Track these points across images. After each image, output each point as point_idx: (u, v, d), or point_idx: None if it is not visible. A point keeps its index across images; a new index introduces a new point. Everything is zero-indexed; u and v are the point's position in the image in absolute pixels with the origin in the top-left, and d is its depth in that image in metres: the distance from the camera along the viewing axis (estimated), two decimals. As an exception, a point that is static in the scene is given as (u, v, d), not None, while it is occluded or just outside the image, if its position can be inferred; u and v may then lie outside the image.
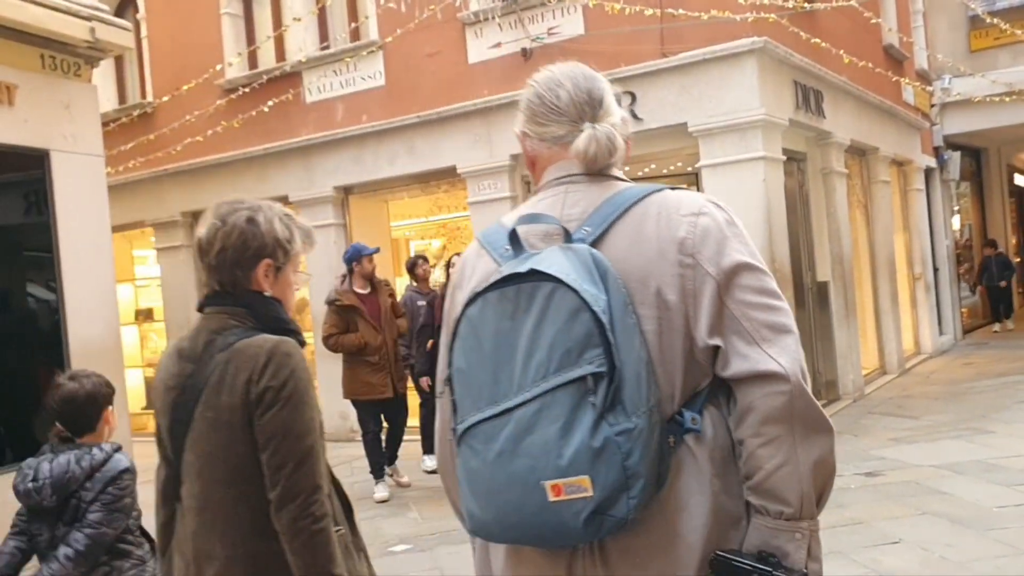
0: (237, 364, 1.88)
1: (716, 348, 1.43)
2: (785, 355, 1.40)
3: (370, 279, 6.80)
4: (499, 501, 1.38)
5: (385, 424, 6.97)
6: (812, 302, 9.10)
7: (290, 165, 9.84)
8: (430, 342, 6.74)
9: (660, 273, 1.45)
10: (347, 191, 9.77)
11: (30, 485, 2.74)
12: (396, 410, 6.93)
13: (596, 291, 1.37)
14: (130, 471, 2.83)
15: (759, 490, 1.41)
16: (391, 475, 7.02)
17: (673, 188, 1.56)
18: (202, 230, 1.99)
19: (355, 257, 6.78)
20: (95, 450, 2.82)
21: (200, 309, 2.01)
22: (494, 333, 1.41)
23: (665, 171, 9.70)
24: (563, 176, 1.60)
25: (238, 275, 1.96)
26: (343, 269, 9.47)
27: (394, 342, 6.76)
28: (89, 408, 2.87)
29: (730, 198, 7.59)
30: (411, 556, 5.27)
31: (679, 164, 9.28)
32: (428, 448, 7.55)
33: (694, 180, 9.04)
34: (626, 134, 1.65)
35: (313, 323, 9.90)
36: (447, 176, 9.15)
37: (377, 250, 6.92)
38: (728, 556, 1.40)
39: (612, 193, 1.55)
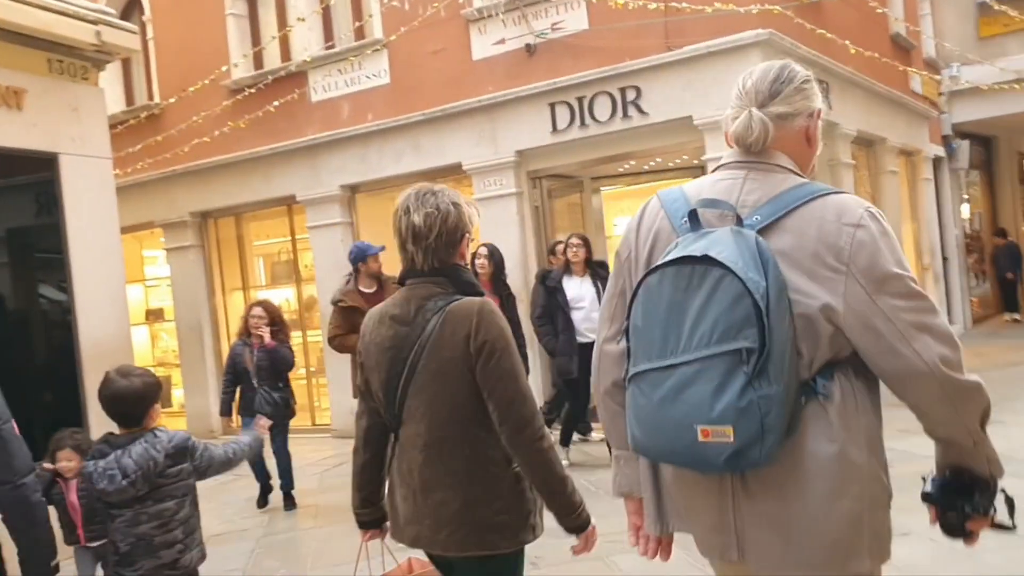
0: (453, 324, 2.28)
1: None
2: (928, 351, 1.68)
3: (377, 278, 6.65)
4: (659, 434, 1.72)
5: None
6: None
7: (296, 164, 9.87)
8: None
9: (815, 270, 1.70)
10: (353, 189, 9.80)
11: (123, 483, 2.95)
12: None
13: (758, 278, 1.63)
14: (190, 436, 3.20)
15: (936, 439, 1.85)
16: None
17: (838, 192, 1.78)
18: (416, 217, 2.35)
19: (360, 257, 6.63)
20: (158, 433, 3.06)
21: (401, 283, 2.44)
22: (668, 301, 1.70)
23: (671, 165, 9.71)
24: (734, 161, 1.88)
25: (450, 252, 2.37)
26: (349, 268, 9.57)
27: None
28: (138, 404, 3.07)
29: (736, 191, 7.65)
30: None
31: (685, 157, 9.28)
32: None
33: (700, 173, 9.04)
34: (807, 127, 1.87)
35: (321, 320, 9.95)
36: (453, 173, 9.16)
37: (382, 248, 6.80)
38: (944, 481, 1.88)
39: (786, 188, 1.78)
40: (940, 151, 13.76)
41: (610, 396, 1.98)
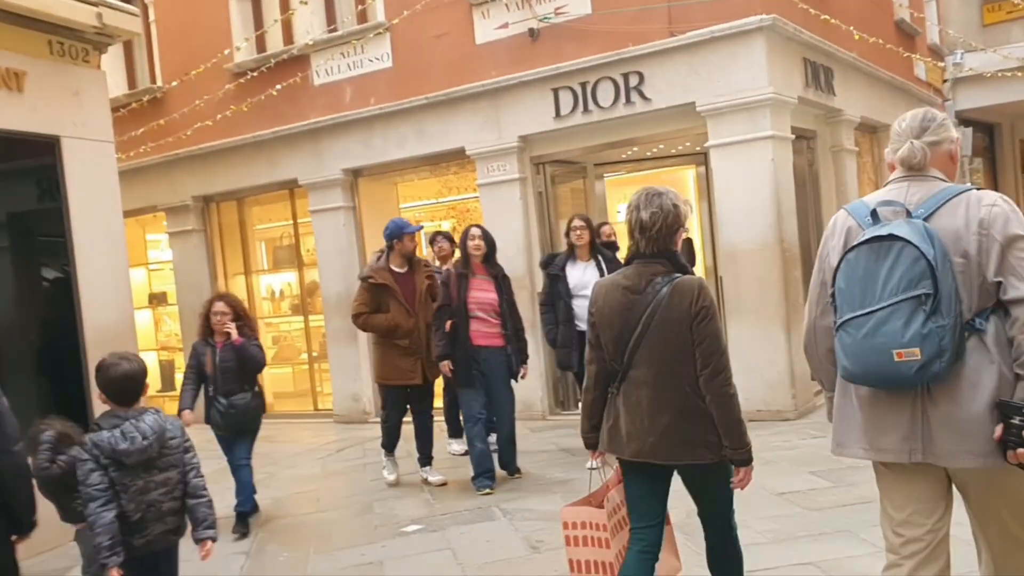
0: (680, 293, 3.04)
1: (999, 283, 2.43)
2: None
3: (409, 258, 6.50)
4: (863, 361, 2.46)
5: (408, 416, 6.70)
6: (822, 281, 9.07)
7: (299, 148, 9.86)
8: (449, 323, 6.13)
9: (967, 238, 2.46)
10: (356, 174, 9.79)
11: (143, 443, 3.34)
12: (423, 397, 6.58)
13: (928, 247, 2.37)
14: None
15: (1022, 364, 2.40)
16: (425, 480, 6.59)
17: (976, 188, 2.56)
18: (644, 214, 3.09)
19: (396, 234, 6.44)
20: (158, 411, 3.52)
21: (629, 262, 3.20)
22: (864, 269, 2.47)
23: (674, 151, 9.68)
24: (899, 177, 2.68)
25: (668, 241, 3.10)
26: (352, 252, 9.59)
27: (428, 326, 6.34)
28: (143, 381, 3.53)
29: (739, 178, 7.59)
30: (423, 536, 5.33)
31: (687, 144, 9.25)
32: (454, 432, 7.50)
33: (703, 160, 9.03)
34: (951, 150, 2.70)
35: (324, 305, 9.97)
36: (456, 158, 9.15)
37: (421, 228, 6.66)
38: (1008, 401, 2.39)
39: (937, 190, 2.57)
40: (944, 138, 13.70)
41: (827, 359, 2.77)
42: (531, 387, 8.23)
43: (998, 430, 2.38)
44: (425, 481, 6.53)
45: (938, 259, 2.36)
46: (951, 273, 2.39)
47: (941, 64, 13.44)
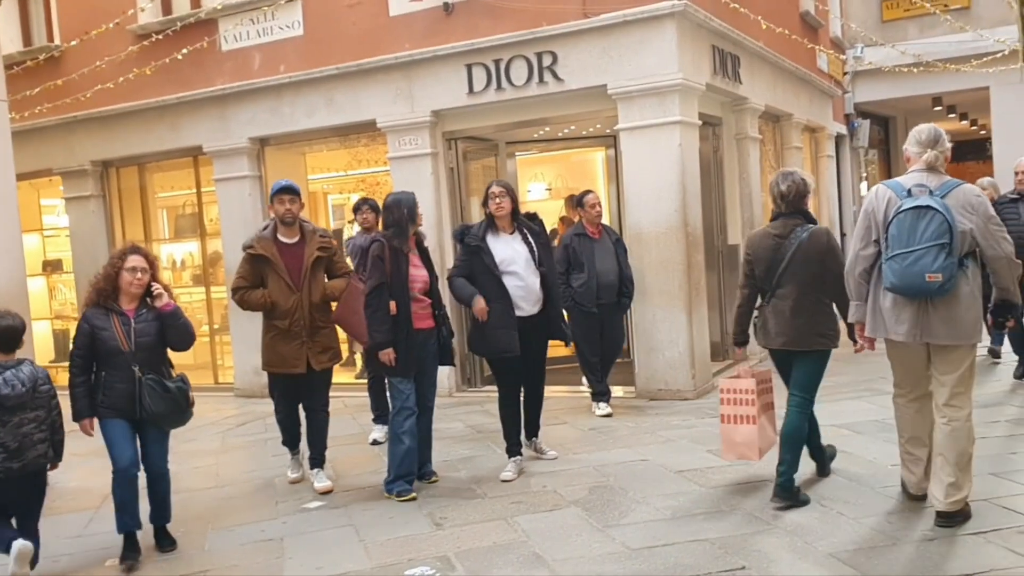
0: (814, 237, 4.67)
1: (978, 244, 4.09)
2: (1003, 248, 4.09)
3: (301, 226, 5.69)
4: (905, 280, 4.00)
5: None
6: (722, 264, 9.35)
7: (205, 115, 9.57)
8: (392, 304, 5.29)
9: (965, 212, 4.04)
10: (263, 142, 9.57)
11: (22, 389, 4.24)
12: (313, 389, 5.76)
13: (946, 214, 3.95)
14: None
15: (998, 286, 4.24)
16: (318, 489, 5.71)
17: (965, 183, 4.19)
18: (783, 187, 4.73)
19: (269, 198, 5.75)
20: (31, 362, 4.47)
21: (774, 218, 4.82)
22: (909, 224, 4.00)
23: (584, 133, 9.80)
24: (919, 170, 4.22)
25: (800, 203, 4.74)
26: (257, 222, 9.34)
27: (314, 305, 5.58)
28: (21, 334, 4.42)
29: (646, 162, 7.73)
30: (325, 512, 5.31)
31: (598, 126, 9.37)
32: (381, 417, 6.80)
33: (612, 143, 9.16)
34: (947, 155, 4.29)
35: (226, 276, 9.74)
36: (367, 130, 9.04)
37: (289, 186, 5.63)
38: (996, 306, 4.34)
39: (945, 180, 4.15)
40: (842, 129, 14.24)
41: (862, 277, 4.37)
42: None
43: (990, 319, 4.56)
44: (316, 485, 5.72)
45: (952, 223, 3.94)
46: (959, 232, 3.97)
47: (842, 57, 13.93)
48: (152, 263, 4.73)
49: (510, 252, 5.60)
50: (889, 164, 17.14)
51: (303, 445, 6.00)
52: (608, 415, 7.22)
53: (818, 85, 12.28)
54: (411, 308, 5.37)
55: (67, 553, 4.97)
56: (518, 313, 5.54)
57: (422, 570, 4.22)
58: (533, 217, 5.92)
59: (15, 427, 4.22)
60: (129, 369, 4.57)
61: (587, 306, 7.19)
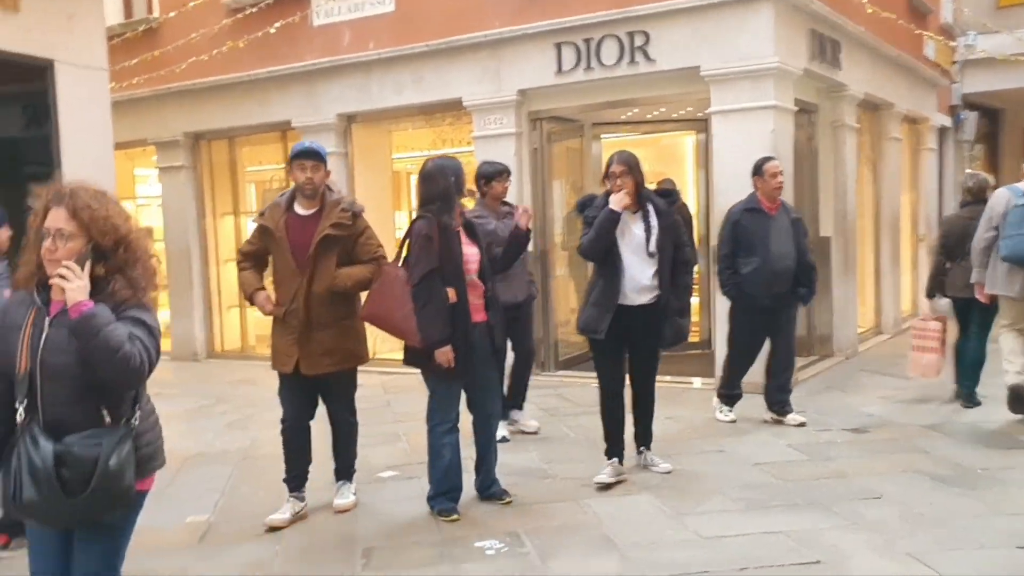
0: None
1: None
2: None
3: (316, 196, 4.63)
4: (1016, 251, 5.74)
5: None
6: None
7: (294, 90, 9.69)
8: (451, 291, 4.46)
9: None
10: (350, 119, 9.64)
11: None
12: (327, 395, 4.79)
13: None
14: None
15: None
16: (337, 507, 4.83)
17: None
18: (970, 183, 6.67)
19: (289, 161, 4.77)
20: None
21: (964, 205, 6.71)
22: (1019, 217, 5.76)
23: (675, 115, 9.59)
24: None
25: (982, 195, 6.41)
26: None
27: (317, 296, 4.52)
28: None
29: (738, 147, 7.50)
30: (398, 483, 5.33)
31: (689, 109, 9.15)
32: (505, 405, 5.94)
33: (703, 127, 8.94)
34: None
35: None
36: (453, 109, 9.01)
37: (311, 149, 4.62)
38: None
39: None
40: (947, 121, 13.60)
41: (983, 254, 5.98)
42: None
43: None
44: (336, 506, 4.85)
45: None
46: None
47: (952, 44, 13.26)
48: (94, 222, 2.54)
49: (626, 231, 4.89)
50: (997, 160, 16.30)
51: (308, 483, 4.84)
52: (732, 422, 6.38)
53: (922, 74, 11.74)
54: (468, 296, 4.54)
55: (147, 509, 5.07)
56: (621, 301, 4.86)
57: (491, 543, 4.18)
58: (668, 193, 5.22)
59: None
60: (9, 409, 2.56)
61: (756, 297, 6.09)
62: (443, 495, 4.66)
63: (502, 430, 5.85)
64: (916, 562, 3.76)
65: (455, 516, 4.58)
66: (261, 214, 4.81)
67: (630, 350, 5.07)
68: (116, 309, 2.52)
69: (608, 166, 4.95)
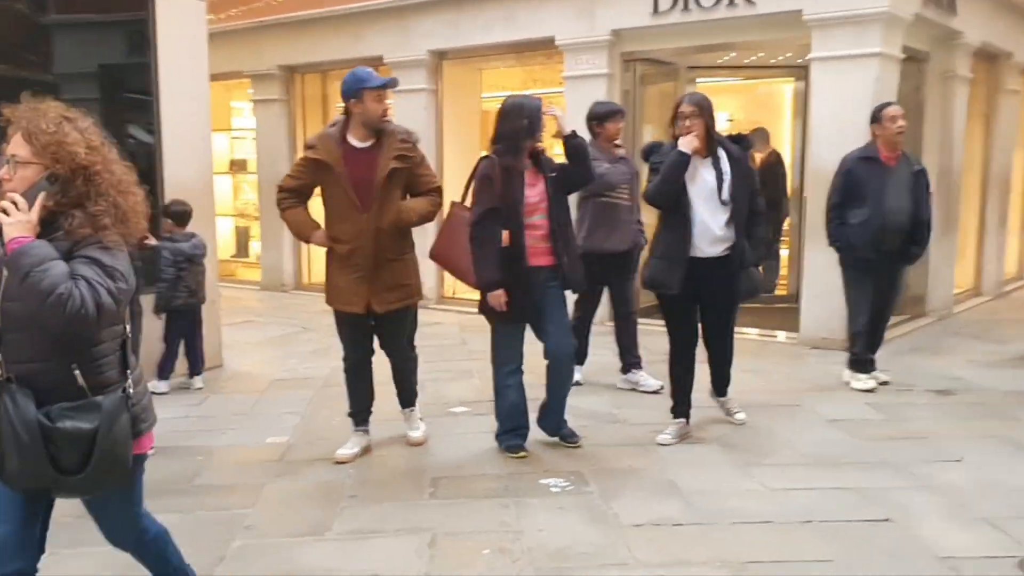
0: None
1: None
2: None
3: (378, 129, 4.40)
4: None
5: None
6: (910, 213, 8.68)
7: (386, 25, 9.68)
8: (506, 234, 4.41)
9: None
10: (441, 56, 9.61)
11: (203, 251, 6.17)
12: (389, 334, 4.73)
13: None
14: None
15: None
16: (412, 440, 4.91)
17: None
18: None
19: (353, 91, 4.36)
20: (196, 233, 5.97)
21: None
22: None
23: (773, 61, 9.26)
24: None
25: None
26: (430, 136, 9.44)
27: (384, 232, 4.38)
28: (191, 215, 6.14)
29: (838, 95, 7.21)
30: (469, 418, 5.42)
31: (788, 55, 8.83)
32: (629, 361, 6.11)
33: (802, 75, 8.60)
34: None
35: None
36: (544, 47, 8.88)
37: (392, 82, 4.57)
38: None
39: None
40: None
41: None
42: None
43: None
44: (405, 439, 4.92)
45: None
46: None
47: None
48: (49, 147, 2.30)
49: (696, 178, 4.60)
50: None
51: (372, 418, 4.88)
52: (870, 390, 5.87)
53: (1046, 23, 10.99)
54: (525, 240, 4.43)
55: (233, 428, 5.33)
56: (693, 253, 4.60)
57: (556, 481, 4.23)
58: (741, 139, 4.88)
59: (196, 275, 6.10)
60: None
61: (863, 251, 5.73)
62: (510, 432, 4.70)
63: (576, 374, 5.80)
64: (989, 527, 3.65)
65: (522, 453, 4.62)
66: (310, 147, 4.49)
67: (702, 305, 4.81)
68: (74, 247, 2.26)
69: (676, 107, 4.68)
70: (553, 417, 4.78)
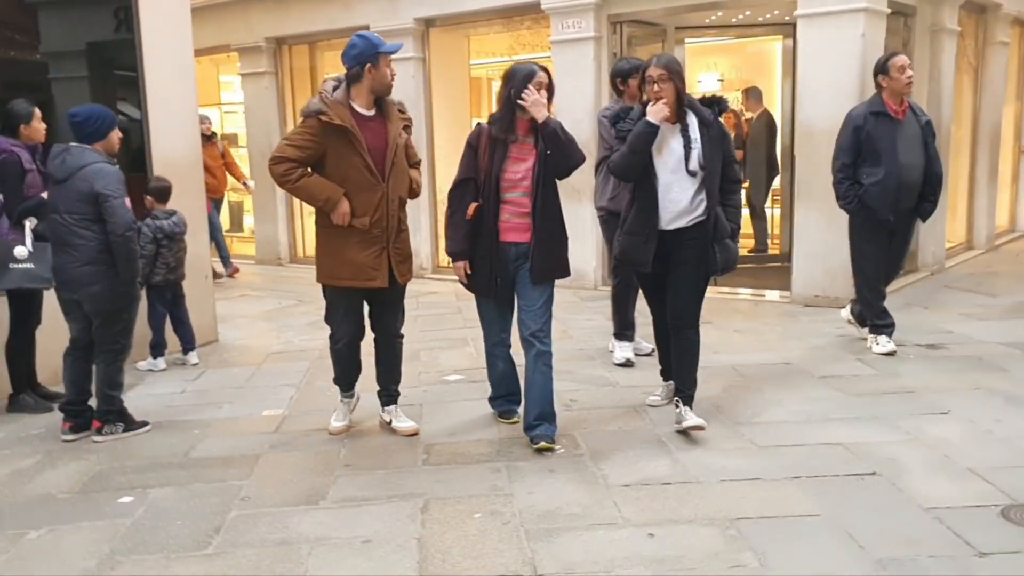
0: None
1: None
2: None
3: (379, 97, 4.28)
4: None
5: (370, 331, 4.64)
6: (901, 169, 8.67)
7: (374, -7, 9.64)
8: (472, 206, 4.24)
9: None
10: (428, 24, 9.55)
11: (183, 228, 6.17)
12: (388, 304, 4.56)
13: None
14: None
15: None
16: (387, 423, 4.69)
17: None
18: None
19: (368, 55, 4.16)
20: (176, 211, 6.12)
21: None
22: None
23: (760, 19, 9.21)
24: None
25: None
26: (419, 106, 9.41)
27: (400, 202, 4.35)
28: (171, 191, 6.19)
29: (824, 53, 7.19)
30: (463, 386, 5.48)
31: (776, 12, 8.78)
32: (621, 335, 5.88)
33: (791, 32, 8.55)
34: None
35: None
36: (531, 11, 8.83)
37: (400, 47, 4.52)
38: None
39: None
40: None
41: None
42: (584, 256, 8.23)
43: None
44: (387, 425, 4.68)
45: None
46: None
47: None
48: None
49: (663, 146, 4.24)
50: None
51: (358, 386, 4.80)
52: (891, 353, 5.69)
53: (1038, -28, 10.90)
54: (499, 214, 4.23)
55: (229, 401, 5.37)
56: (662, 226, 4.28)
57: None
58: (715, 102, 4.39)
59: (176, 252, 6.13)
60: None
61: (880, 212, 5.54)
62: (502, 398, 4.75)
63: (626, 352, 5.77)
64: (976, 478, 3.70)
65: (514, 418, 4.64)
66: (321, 111, 4.10)
67: (668, 278, 4.42)
68: None
69: (644, 71, 4.35)
70: (529, 411, 4.35)
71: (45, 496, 3.86)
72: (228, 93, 12.30)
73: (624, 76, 5.58)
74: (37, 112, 5.08)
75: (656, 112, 4.16)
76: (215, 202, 9.89)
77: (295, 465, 4.20)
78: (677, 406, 4.44)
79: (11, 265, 4.72)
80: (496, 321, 4.54)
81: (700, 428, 4.29)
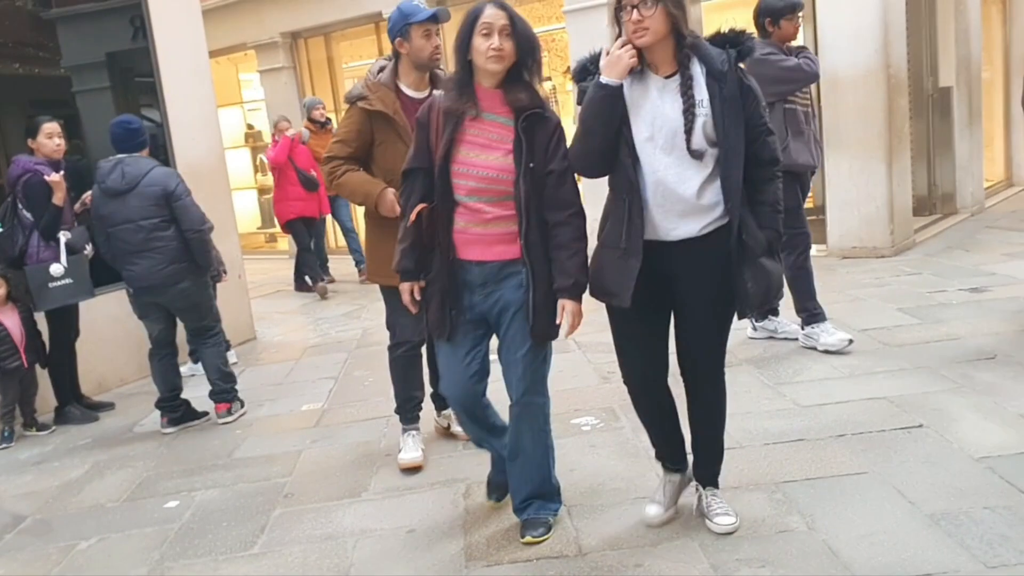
0: None
1: None
2: None
3: (428, 68, 3.69)
4: None
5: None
6: (932, 110, 8.46)
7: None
8: (420, 207, 2.91)
9: None
10: (442, 3, 9.49)
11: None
12: None
13: None
14: None
15: None
16: (445, 428, 4.32)
17: None
18: None
19: (399, 27, 3.62)
20: None
21: None
22: None
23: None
24: None
25: None
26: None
27: None
28: None
29: (846, -2, 6.98)
30: (497, 365, 5.43)
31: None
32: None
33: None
34: None
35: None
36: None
37: (444, 14, 3.63)
38: None
39: None
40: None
41: None
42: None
43: None
44: (446, 430, 4.30)
45: None
46: None
47: None
48: None
49: (650, 113, 2.70)
50: None
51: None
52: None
53: None
54: (454, 220, 2.90)
55: (269, 399, 5.42)
56: (648, 236, 2.73)
57: (587, 420, 4.26)
58: (733, 38, 2.76)
59: None
60: None
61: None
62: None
63: (828, 336, 4.89)
64: (1027, 422, 3.61)
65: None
66: (362, 96, 3.66)
67: (676, 313, 2.91)
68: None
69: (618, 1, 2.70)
70: (516, 488, 3.21)
71: (95, 506, 3.92)
72: (249, 91, 12.34)
73: (775, 16, 4.78)
74: (46, 127, 5.03)
75: (614, 63, 2.64)
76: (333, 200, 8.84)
77: (336, 458, 4.22)
78: (700, 497, 3.10)
79: (50, 285, 4.85)
80: (456, 372, 3.15)
81: (732, 531, 2.96)
